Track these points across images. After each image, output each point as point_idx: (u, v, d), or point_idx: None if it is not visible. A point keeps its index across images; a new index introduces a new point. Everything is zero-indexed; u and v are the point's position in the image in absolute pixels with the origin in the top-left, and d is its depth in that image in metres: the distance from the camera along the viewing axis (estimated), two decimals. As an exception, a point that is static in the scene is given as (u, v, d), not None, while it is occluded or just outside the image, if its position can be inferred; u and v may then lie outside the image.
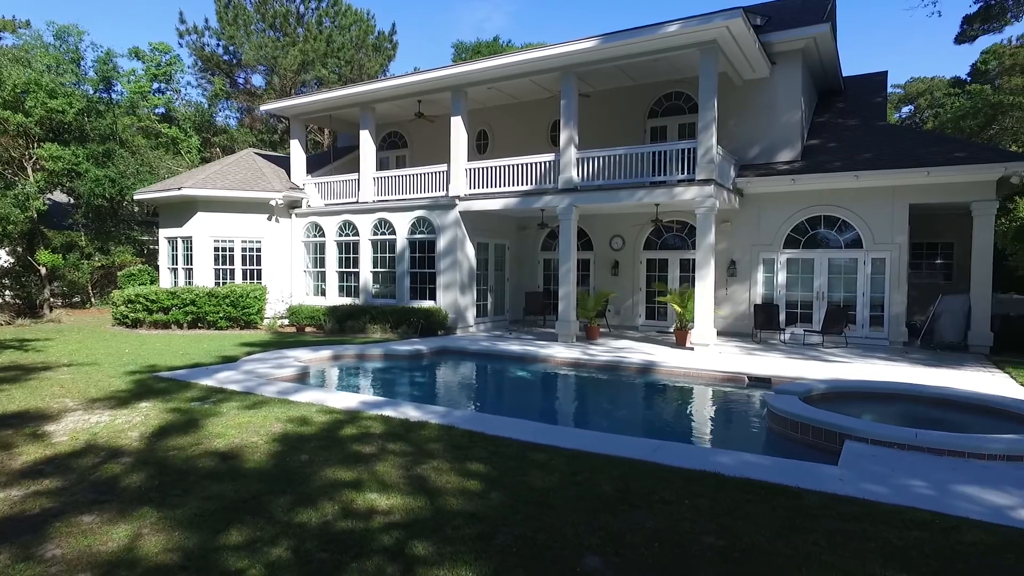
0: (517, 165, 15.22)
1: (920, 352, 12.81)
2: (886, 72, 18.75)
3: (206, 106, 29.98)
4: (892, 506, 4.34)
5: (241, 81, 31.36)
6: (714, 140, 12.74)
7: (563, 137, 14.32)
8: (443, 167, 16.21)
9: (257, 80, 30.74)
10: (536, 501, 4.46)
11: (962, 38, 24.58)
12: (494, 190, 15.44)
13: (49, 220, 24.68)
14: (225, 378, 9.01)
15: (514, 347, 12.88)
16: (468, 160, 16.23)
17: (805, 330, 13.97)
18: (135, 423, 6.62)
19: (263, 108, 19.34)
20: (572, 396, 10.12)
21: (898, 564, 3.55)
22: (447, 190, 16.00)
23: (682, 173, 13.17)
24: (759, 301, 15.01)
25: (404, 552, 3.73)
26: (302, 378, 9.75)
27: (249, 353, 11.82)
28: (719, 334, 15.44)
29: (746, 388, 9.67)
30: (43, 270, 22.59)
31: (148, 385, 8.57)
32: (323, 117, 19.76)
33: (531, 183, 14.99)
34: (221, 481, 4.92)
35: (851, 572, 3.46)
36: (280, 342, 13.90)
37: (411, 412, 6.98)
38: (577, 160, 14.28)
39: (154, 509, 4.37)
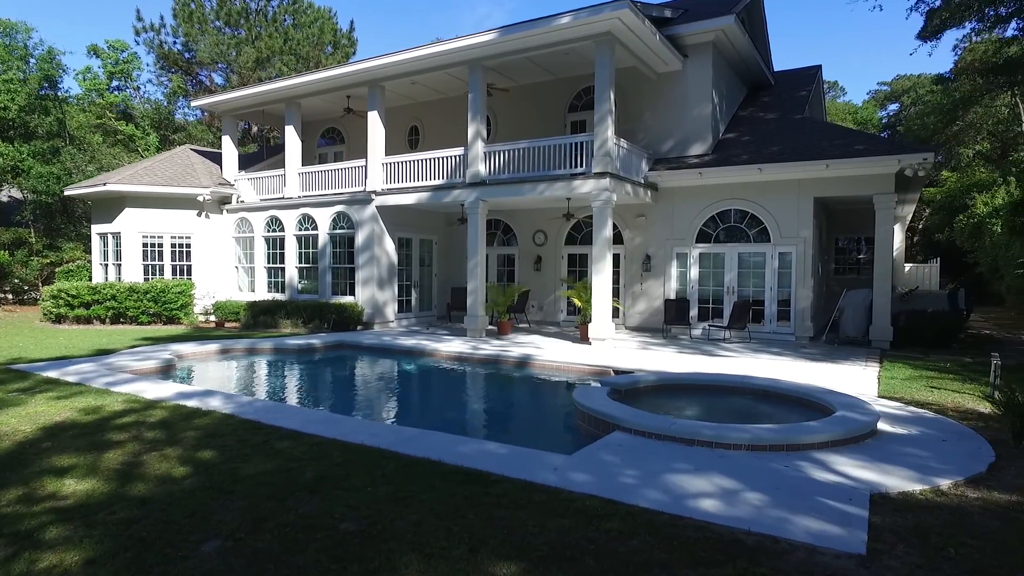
0: (431, 159, 15.17)
1: (821, 347, 12.67)
2: (819, 66, 18.59)
3: (165, 104, 30.02)
4: (574, 494, 4.26)
5: (204, 78, 31.40)
6: (610, 133, 12.64)
7: (470, 131, 14.25)
8: (362, 162, 16.18)
9: (219, 78, 30.77)
10: (222, 487, 4.40)
11: (924, 33, 24.38)
12: (407, 185, 15.39)
13: (4, 218, 24.81)
14: (75, 370, 8.99)
15: (409, 342, 12.81)
16: (386, 155, 16.19)
17: (710, 325, 13.86)
18: (-71, 413, 6.59)
19: (193, 104, 19.35)
20: (413, 389, 9.97)
21: (509, 549, 3.48)
22: (365, 186, 15.96)
23: (582, 167, 13.07)
24: (673, 296, 14.90)
25: (33, 536, 3.68)
26: (164, 371, 9.71)
27: (135, 347, 11.80)
28: (634, 329, 15.38)
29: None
30: (-12, 266, 22.65)
31: (-12, 376, 8.56)
32: (255, 113, 19.73)
33: (445, 177, 14.93)
34: (-62, 468, 4.88)
35: (456, 558, 3.38)
36: (183, 336, 13.88)
37: (212, 402, 6.94)
38: (484, 154, 14.21)
39: None
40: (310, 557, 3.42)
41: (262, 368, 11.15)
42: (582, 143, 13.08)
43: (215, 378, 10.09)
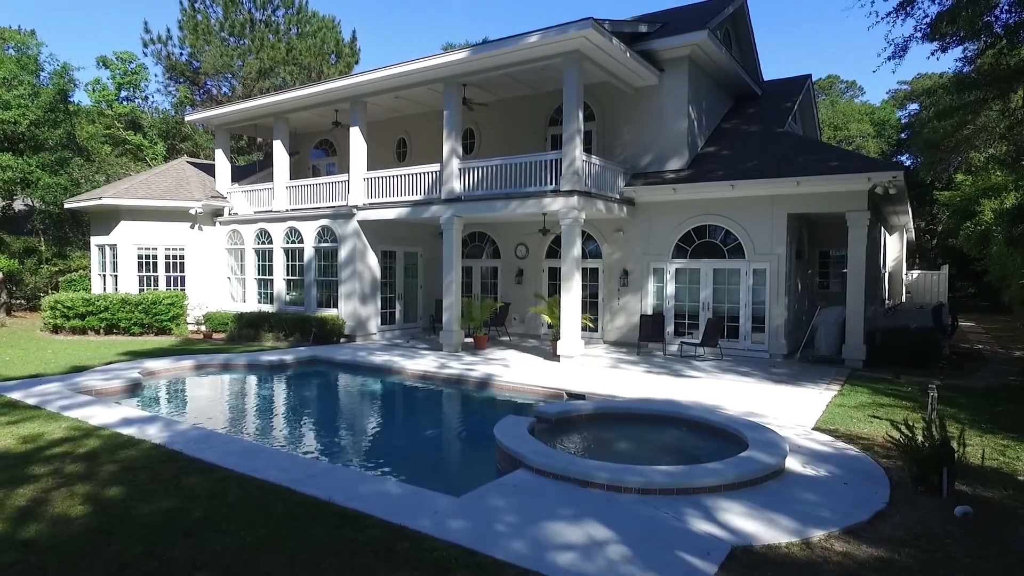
0: (410, 175, 15.34)
1: (792, 365, 12.55)
2: (809, 75, 18.35)
3: (172, 113, 30.71)
4: (438, 543, 4.33)
5: (212, 87, 32.03)
6: (578, 152, 12.66)
7: (445, 148, 14.37)
8: (344, 177, 16.42)
9: (225, 88, 31.36)
10: (107, 530, 4.56)
11: (931, 36, 23.77)
12: (387, 200, 15.59)
13: (17, 226, 25.62)
14: (39, 391, 9.31)
15: (381, 358, 12.98)
16: (374, 169, 16.43)
17: (683, 342, 13.79)
18: None
19: (187, 118, 19.79)
20: (361, 413, 10.04)
21: (342, 607, 3.58)
22: (347, 200, 16.19)
23: (554, 184, 13.11)
24: (650, 311, 14.87)
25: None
26: (129, 390, 10.04)
27: (112, 363, 12.16)
28: (613, 344, 15.38)
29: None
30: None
31: (-45, 397, 8.92)
32: (248, 126, 20.11)
33: (424, 193, 15.08)
34: None
35: (282, 614, 3.51)
36: (166, 350, 14.23)
37: (150, 430, 7.17)
38: (459, 171, 14.33)
39: None
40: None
41: (225, 387, 11.40)
42: (554, 160, 13.13)
43: (174, 399, 10.35)
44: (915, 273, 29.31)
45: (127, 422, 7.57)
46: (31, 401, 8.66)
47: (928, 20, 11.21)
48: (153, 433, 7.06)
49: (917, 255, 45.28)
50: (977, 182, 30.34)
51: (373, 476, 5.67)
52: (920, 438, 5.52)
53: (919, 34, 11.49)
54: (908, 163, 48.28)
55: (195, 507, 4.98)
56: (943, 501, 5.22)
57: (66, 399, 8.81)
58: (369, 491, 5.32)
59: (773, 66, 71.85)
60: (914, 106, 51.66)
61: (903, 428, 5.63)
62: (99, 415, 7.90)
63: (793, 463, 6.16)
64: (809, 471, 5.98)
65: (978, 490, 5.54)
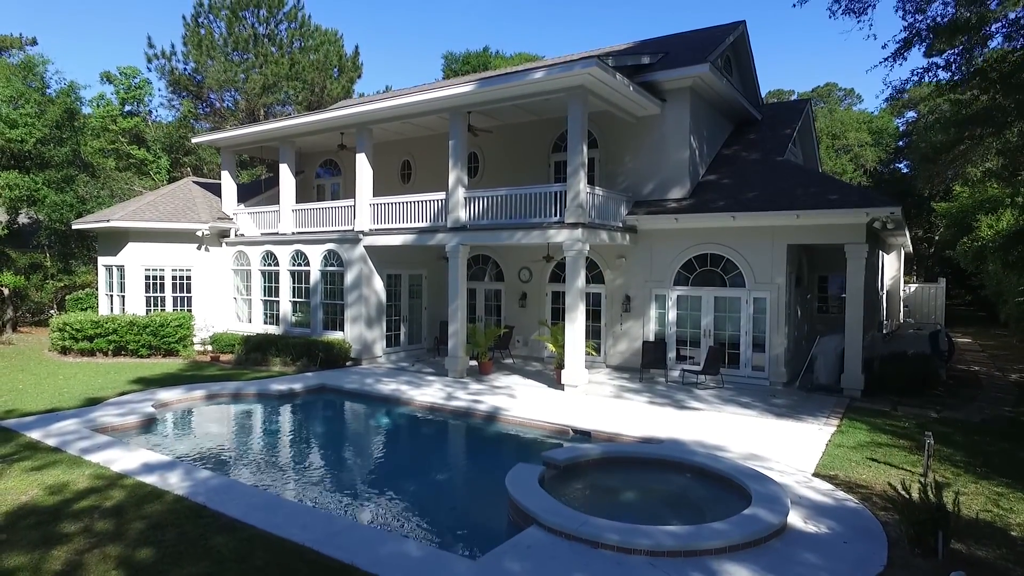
0: (416, 202, 15.57)
1: (792, 395, 12.79)
2: (808, 101, 18.61)
3: (176, 127, 30.94)
4: (461, 615, 4.59)
5: (215, 100, 32.25)
6: (582, 185, 12.91)
7: (451, 178, 14.61)
8: (351, 202, 16.64)
9: (228, 102, 31.59)
10: (144, 599, 4.80)
11: (930, 52, 24.08)
12: (393, 226, 15.82)
13: (23, 240, 25.80)
14: (58, 429, 9.54)
15: (388, 387, 13.21)
16: (379, 191, 16.67)
17: (683, 369, 14.03)
18: (-88, 487, 7.12)
19: (194, 140, 20.03)
20: (372, 455, 10.02)
21: None
22: (353, 225, 16.42)
23: (558, 216, 13.34)
24: (652, 338, 15.11)
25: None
26: (145, 425, 10.26)
27: (124, 393, 12.36)
28: (615, 368, 15.63)
29: (568, 441, 9.87)
30: (5, 291, 23.61)
31: (-24, 438, 9.13)
32: (254, 148, 20.34)
33: (430, 220, 15.30)
34: (-98, 565, 5.36)
35: None
36: (175, 376, 14.43)
37: (172, 479, 7.39)
38: (465, 200, 14.57)
39: None
40: None
41: (238, 421, 11.53)
42: (558, 192, 13.36)
43: (189, 436, 10.48)
44: (912, 287, 29.59)
45: (148, 468, 7.79)
46: (51, 442, 8.88)
47: (922, 68, 11.56)
48: (175, 483, 7.28)
49: (915, 264, 45.54)
50: (974, 194, 30.60)
51: (392, 535, 5.89)
52: (916, 498, 5.77)
53: (915, 77, 11.78)
54: (905, 171, 48.60)
55: (225, 573, 5.20)
56: (938, 562, 5.46)
57: (85, 439, 9.03)
58: (390, 553, 5.55)
59: (772, 72, 72.24)
60: (912, 114, 51.90)
61: (900, 489, 5.86)
62: (120, 459, 8.12)
63: (795, 518, 6.40)
64: (810, 527, 6.22)
65: (972, 548, 5.79)
